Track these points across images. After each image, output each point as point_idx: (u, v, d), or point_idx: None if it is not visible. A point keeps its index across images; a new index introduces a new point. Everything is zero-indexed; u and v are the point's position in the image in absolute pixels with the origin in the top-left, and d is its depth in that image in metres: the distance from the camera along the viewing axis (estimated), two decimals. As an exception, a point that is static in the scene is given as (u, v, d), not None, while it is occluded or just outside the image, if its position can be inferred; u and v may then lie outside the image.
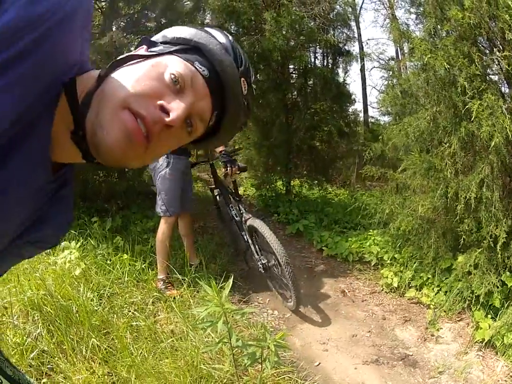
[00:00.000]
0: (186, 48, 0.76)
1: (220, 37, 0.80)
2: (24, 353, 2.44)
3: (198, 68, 0.74)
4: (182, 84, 0.71)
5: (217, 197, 4.52)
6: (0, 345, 2.46)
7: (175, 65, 0.72)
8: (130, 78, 0.68)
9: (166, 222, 3.69)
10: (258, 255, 3.66)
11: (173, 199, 3.64)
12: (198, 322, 2.35)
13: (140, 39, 0.80)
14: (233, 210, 3.97)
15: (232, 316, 2.52)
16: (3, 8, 0.52)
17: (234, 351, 2.09)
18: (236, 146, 6.60)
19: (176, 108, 0.69)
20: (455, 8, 2.90)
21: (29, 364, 2.40)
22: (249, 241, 3.74)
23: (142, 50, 0.76)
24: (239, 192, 4.28)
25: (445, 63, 2.89)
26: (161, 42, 0.79)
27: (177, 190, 3.67)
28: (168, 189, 3.63)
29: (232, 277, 2.27)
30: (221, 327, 1.86)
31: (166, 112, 0.68)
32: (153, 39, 0.80)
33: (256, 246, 3.71)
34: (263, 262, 3.59)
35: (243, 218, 3.77)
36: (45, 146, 0.65)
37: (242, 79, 0.81)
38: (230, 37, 0.83)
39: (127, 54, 0.74)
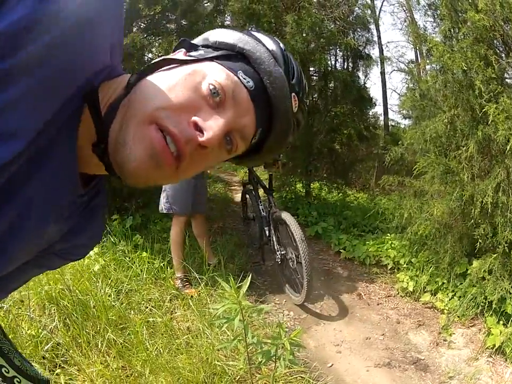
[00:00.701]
0: (229, 54, 0.66)
1: (270, 43, 0.70)
2: (39, 345, 2.49)
3: (241, 78, 0.64)
4: (222, 96, 0.61)
5: (246, 193, 4.69)
6: (13, 337, 2.51)
7: (215, 74, 0.62)
8: (162, 86, 0.60)
9: (177, 221, 3.73)
10: (277, 246, 3.74)
11: (179, 197, 3.66)
12: (214, 319, 2.39)
13: (178, 41, 0.70)
14: (261, 205, 4.08)
15: (249, 315, 2.55)
16: (9, 5, 0.45)
17: (249, 349, 2.11)
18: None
19: (213, 125, 0.60)
20: (471, 9, 2.89)
21: (42, 356, 2.45)
22: (272, 232, 3.83)
23: (180, 54, 0.67)
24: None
25: (463, 64, 2.89)
26: (202, 46, 0.69)
27: (186, 190, 3.67)
28: (171, 189, 3.66)
29: (250, 276, 2.29)
30: (237, 324, 1.89)
31: (201, 130, 0.59)
32: (194, 41, 0.71)
33: (278, 238, 3.80)
34: (282, 253, 3.68)
35: (271, 211, 3.88)
36: (70, 162, 0.59)
37: (293, 94, 0.70)
38: (281, 44, 0.71)
39: (162, 58, 0.65)
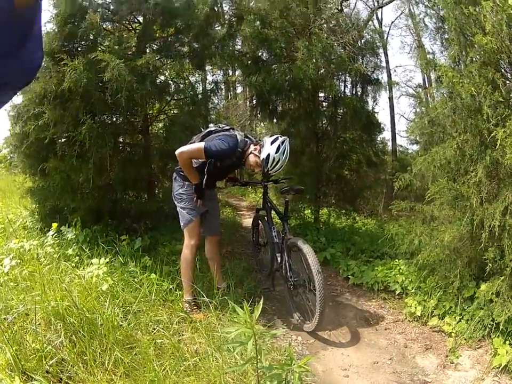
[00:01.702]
0: None
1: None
2: (43, 359, 2.49)
3: None
4: None
5: (259, 219, 4.67)
6: (17, 349, 2.53)
7: None
8: None
9: (189, 244, 3.74)
10: (290, 273, 3.71)
11: (190, 202, 3.72)
12: (226, 343, 2.38)
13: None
14: (274, 231, 4.04)
15: (259, 339, 2.54)
16: None
17: (259, 372, 2.11)
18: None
19: None
20: (479, 33, 2.95)
21: (46, 370, 2.46)
22: (285, 259, 3.78)
23: None
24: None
25: (472, 89, 2.93)
26: None
27: (191, 209, 3.73)
28: (185, 199, 3.72)
29: (262, 300, 2.29)
30: (250, 348, 1.90)
31: None
32: None
33: (290, 265, 3.76)
34: (295, 280, 3.64)
35: (285, 238, 3.85)
36: None
37: None
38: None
39: None
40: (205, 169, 3.57)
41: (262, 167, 3.55)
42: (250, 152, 3.60)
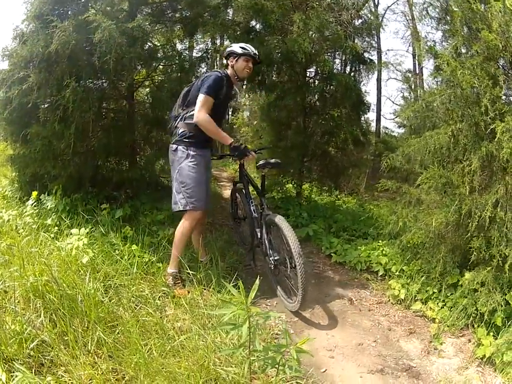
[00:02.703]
0: None
1: None
2: (24, 342, 2.40)
3: None
4: None
5: (237, 192, 4.58)
6: None
7: None
8: None
9: (190, 217, 3.64)
10: (271, 251, 3.65)
11: (196, 191, 3.59)
12: (218, 324, 2.34)
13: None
14: (252, 205, 3.96)
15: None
16: None
17: (250, 355, 2.09)
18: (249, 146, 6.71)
19: None
20: (485, 29, 2.93)
21: (28, 354, 2.37)
22: (264, 236, 3.72)
23: None
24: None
25: (474, 81, 2.92)
26: None
27: (202, 184, 3.63)
28: (191, 181, 3.58)
29: (258, 279, 2.27)
30: (245, 331, 1.87)
31: None
32: None
33: (271, 242, 3.70)
34: (275, 258, 3.58)
35: (263, 214, 3.77)
36: None
37: None
38: None
39: None
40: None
41: (247, 54, 3.71)
42: (231, 65, 3.76)
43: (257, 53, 3.80)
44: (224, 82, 3.65)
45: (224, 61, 3.95)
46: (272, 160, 4.01)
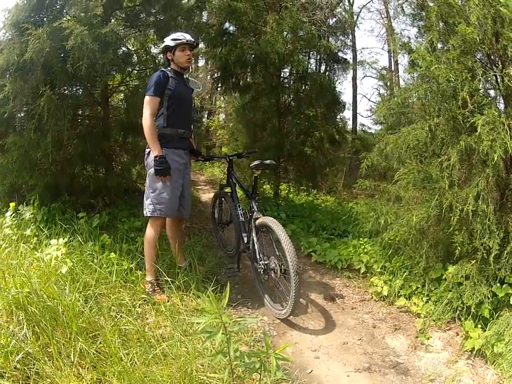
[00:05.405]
0: None
1: None
2: (9, 355, 2.35)
3: None
4: None
5: (223, 196, 4.51)
6: None
7: None
8: None
9: (154, 223, 3.58)
10: (260, 255, 3.53)
11: (164, 198, 3.47)
12: (196, 333, 2.29)
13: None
14: (240, 210, 3.89)
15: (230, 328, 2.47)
16: None
17: (232, 361, 2.04)
18: (222, 147, 6.56)
19: None
20: (463, 23, 2.94)
21: (14, 367, 2.32)
22: (254, 241, 3.61)
23: None
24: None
25: (451, 75, 2.92)
26: None
27: (171, 189, 3.48)
28: (160, 186, 3.46)
29: (229, 285, 2.19)
30: (219, 339, 1.83)
31: None
32: None
33: (260, 247, 3.60)
34: (265, 263, 3.46)
35: (253, 217, 3.67)
36: None
37: None
38: None
39: None
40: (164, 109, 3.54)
41: (180, 44, 3.60)
42: (170, 59, 3.69)
43: (191, 38, 3.68)
44: (169, 77, 3.55)
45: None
46: (267, 161, 3.84)
